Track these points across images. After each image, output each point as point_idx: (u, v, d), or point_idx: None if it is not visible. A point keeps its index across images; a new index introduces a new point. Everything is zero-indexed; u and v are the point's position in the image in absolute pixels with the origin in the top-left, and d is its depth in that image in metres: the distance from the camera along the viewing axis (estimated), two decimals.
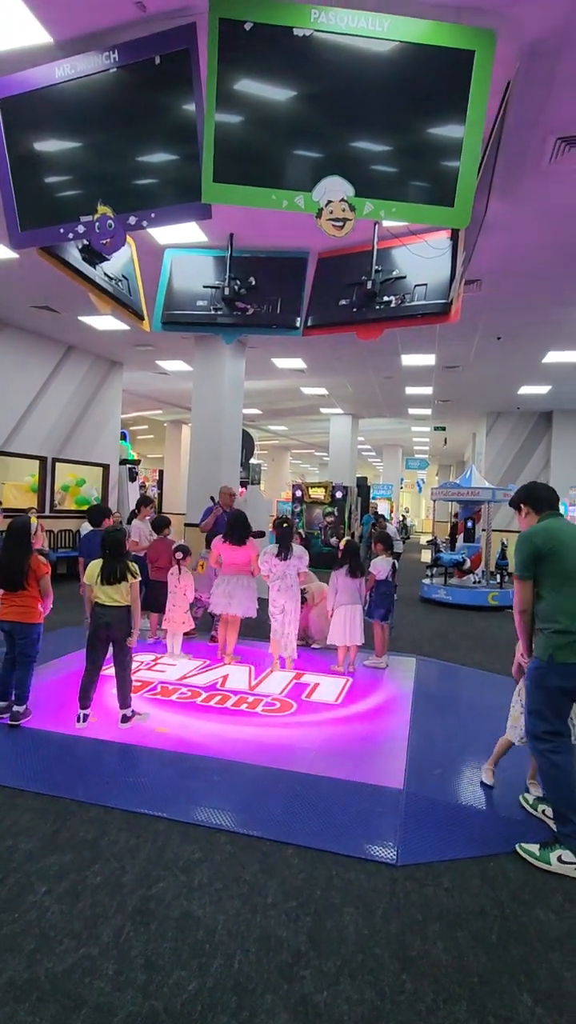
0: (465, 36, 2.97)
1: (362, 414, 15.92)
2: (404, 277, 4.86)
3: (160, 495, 18.13)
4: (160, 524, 6.15)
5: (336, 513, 13.69)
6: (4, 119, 3.69)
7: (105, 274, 4.96)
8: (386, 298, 4.83)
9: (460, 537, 11.20)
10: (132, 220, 3.70)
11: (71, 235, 3.90)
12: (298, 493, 14.19)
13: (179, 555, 5.54)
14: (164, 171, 3.62)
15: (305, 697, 4.72)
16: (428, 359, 9.65)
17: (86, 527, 6.44)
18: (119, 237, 3.75)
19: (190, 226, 5.24)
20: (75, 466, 10.44)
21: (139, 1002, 1.86)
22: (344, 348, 9.02)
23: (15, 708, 3.91)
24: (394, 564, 5.77)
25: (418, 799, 3.19)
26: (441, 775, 3.51)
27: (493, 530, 10.89)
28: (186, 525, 8.87)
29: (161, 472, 19.30)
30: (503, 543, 11.14)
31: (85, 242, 4.48)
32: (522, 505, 3.05)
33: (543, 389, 11.58)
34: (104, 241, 3.78)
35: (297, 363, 10.26)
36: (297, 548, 5.37)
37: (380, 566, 5.61)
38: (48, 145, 3.78)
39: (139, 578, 3.98)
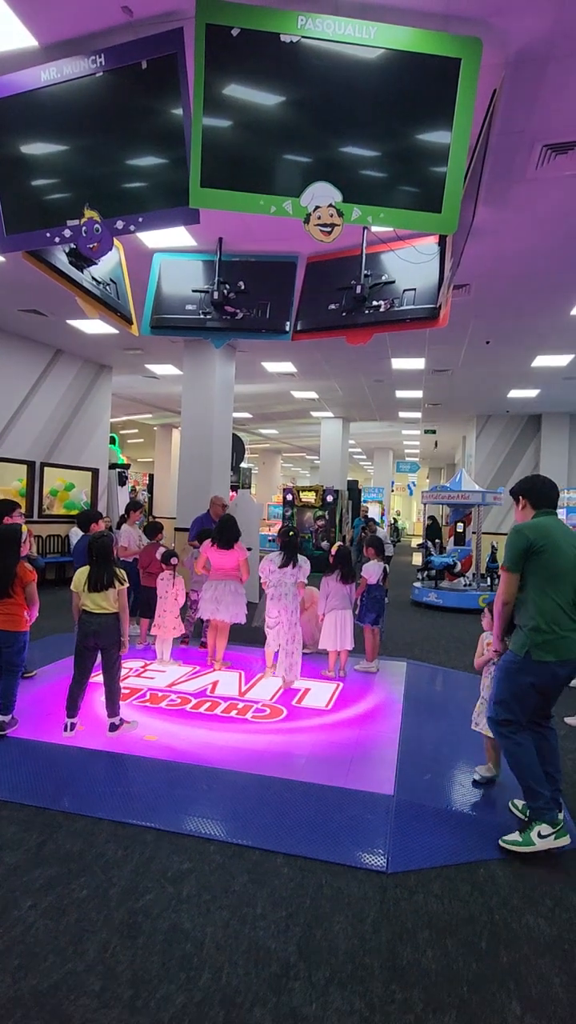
0: (451, 44, 2.99)
1: (353, 417, 15.95)
2: (393, 282, 4.88)
3: (150, 499, 18.07)
4: (153, 530, 6.11)
5: (327, 516, 13.69)
6: None
7: (93, 278, 4.93)
8: (375, 303, 4.84)
9: (439, 542, 11.18)
10: (119, 224, 3.69)
11: (58, 239, 3.88)
12: (289, 497, 14.18)
13: (174, 560, 5.51)
14: (151, 175, 3.61)
15: (295, 703, 4.70)
16: (418, 363, 9.68)
17: (76, 532, 6.37)
18: (106, 241, 3.73)
19: (179, 230, 5.22)
20: (64, 470, 10.38)
21: (125, 1018, 1.83)
22: (334, 352, 9.03)
23: (0, 717, 3.87)
24: (385, 568, 5.77)
25: (408, 805, 3.18)
26: (431, 781, 3.51)
27: (483, 533, 10.94)
28: (176, 530, 8.83)
29: (151, 476, 19.24)
30: (493, 546, 11.19)
31: (72, 246, 4.46)
32: (521, 497, 3.00)
33: (532, 393, 11.66)
34: (91, 245, 3.76)
35: (287, 367, 10.26)
36: (299, 558, 5.09)
37: (372, 570, 5.61)
38: (34, 148, 3.76)
39: (127, 584, 3.95)
